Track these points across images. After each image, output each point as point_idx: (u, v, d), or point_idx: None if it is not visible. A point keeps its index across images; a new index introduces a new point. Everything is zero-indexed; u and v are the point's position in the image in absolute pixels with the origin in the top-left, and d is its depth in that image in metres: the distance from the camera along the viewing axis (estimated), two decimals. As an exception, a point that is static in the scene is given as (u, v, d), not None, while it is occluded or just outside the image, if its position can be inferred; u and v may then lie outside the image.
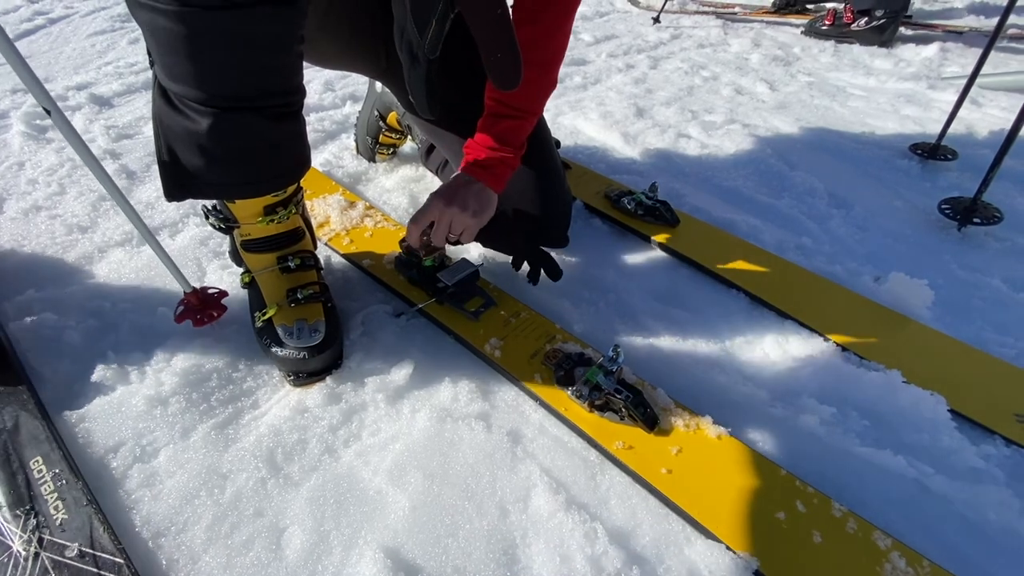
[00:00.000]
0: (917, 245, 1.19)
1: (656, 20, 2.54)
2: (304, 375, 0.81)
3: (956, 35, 2.36)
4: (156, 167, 1.28)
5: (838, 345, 0.91)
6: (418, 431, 0.76)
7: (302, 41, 0.68)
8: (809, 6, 2.66)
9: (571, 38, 2.41)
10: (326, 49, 0.94)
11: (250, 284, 0.88)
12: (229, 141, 0.67)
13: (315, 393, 0.80)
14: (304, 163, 0.78)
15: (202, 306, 0.85)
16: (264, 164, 0.73)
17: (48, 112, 0.41)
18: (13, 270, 0.99)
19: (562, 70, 1.96)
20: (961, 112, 1.39)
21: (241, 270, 0.90)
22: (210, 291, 0.88)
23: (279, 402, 0.79)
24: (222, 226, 0.84)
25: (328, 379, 0.82)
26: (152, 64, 0.66)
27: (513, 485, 0.70)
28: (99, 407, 0.77)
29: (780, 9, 2.65)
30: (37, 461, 0.69)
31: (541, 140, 1.01)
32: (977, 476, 0.73)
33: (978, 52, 1.31)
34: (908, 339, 0.93)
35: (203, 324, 0.85)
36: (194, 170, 0.69)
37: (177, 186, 0.71)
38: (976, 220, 1.18)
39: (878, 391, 0.81)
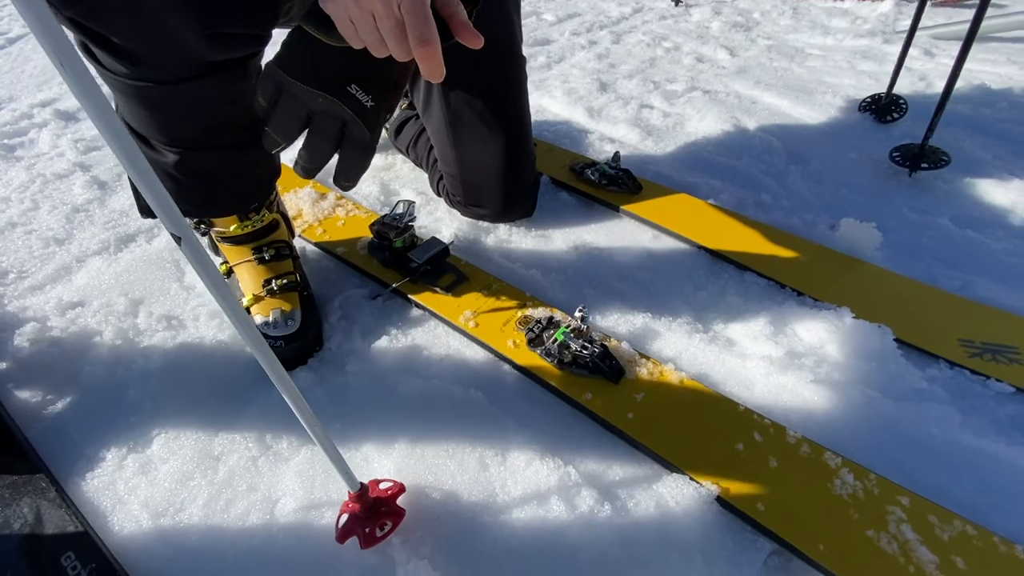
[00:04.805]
0: (871, 193, 1.24)
1: (677, 2, 2.43)
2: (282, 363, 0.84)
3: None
4: (127, 178, 1.31)
5: (794, 290, 0.96)
6: (400, 401, 0.80)
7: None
8: None
9: (534, 19, 2.39)
10: None
11: (228, 275, 0.91)
12: (195, 172, 0.72)
13: (299, 376, 0.83)
14: (269, 180, 0.83)
15: (370, 515, 0.63)
16: (229, 188, 0.78)
17: (178, 240, 0.35)
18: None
19: (526, 50, 1.98)
20: (915, 64, 1.43)
21: (219, 260, 0.93)
22: (383, 485, 0.66)
23: (264, 388, 0.83)
24: (198, 227, 0.87)
25: (310, 362, 0.86)
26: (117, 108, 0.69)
27: (491, 441, 0.75)
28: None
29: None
30: (69, 557, 0.63)
31: (518, 108, 1.02)
32: (921, 396, 0.79)
33: (932, 5, 1.35)
34: (859, 279, 0.98)
35: (376, 542, 0.62)
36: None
37: (148, 207, 0.75)
38: (924, 165, 1.23)
39: (828, 328, 0.86)
